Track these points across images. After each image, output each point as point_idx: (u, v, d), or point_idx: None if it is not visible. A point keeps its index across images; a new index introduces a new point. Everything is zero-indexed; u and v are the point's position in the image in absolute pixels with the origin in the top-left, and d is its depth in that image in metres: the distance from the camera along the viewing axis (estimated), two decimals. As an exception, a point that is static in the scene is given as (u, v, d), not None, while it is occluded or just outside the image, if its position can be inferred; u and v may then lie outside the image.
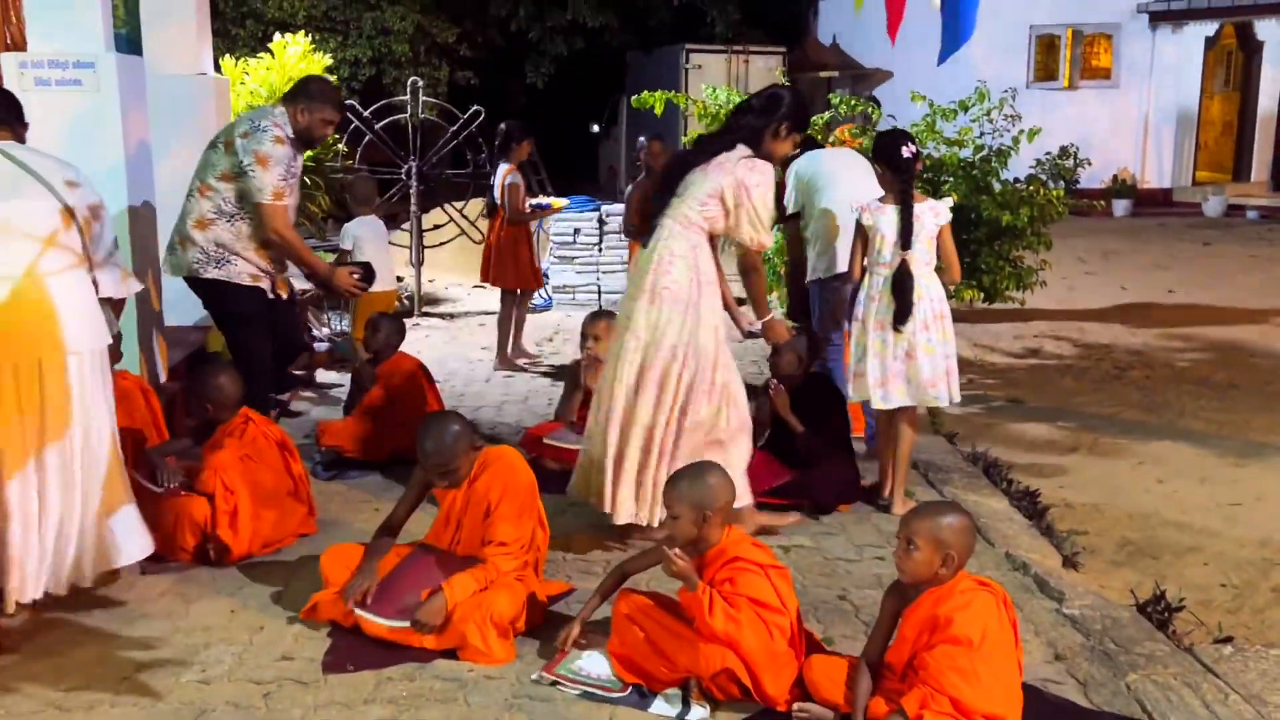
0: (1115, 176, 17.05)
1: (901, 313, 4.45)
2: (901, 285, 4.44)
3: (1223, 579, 4.23)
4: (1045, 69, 18.28)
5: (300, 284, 5.65)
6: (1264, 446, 5.86)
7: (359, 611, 3.44)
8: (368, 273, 5.19)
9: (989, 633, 2.81)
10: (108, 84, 5.26)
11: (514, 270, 7.32)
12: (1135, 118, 17.88)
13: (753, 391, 4.84)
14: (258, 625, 3.56)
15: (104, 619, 3.60)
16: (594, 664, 3.20)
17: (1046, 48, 18.25)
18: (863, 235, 4.60)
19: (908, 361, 4.50)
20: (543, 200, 7.09)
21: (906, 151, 4.43)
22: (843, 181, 5.25)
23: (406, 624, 3.38)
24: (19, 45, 6.30)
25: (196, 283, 4.88)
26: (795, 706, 2.96)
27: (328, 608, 3.53)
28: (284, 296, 5.11)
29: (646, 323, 4.07)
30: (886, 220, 4.49)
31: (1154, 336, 8.59)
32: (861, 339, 4.59)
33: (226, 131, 4.85)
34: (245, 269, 4.81)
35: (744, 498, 4.04)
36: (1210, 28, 17.61)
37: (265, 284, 4.92)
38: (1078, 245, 12.60)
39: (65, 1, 5.30)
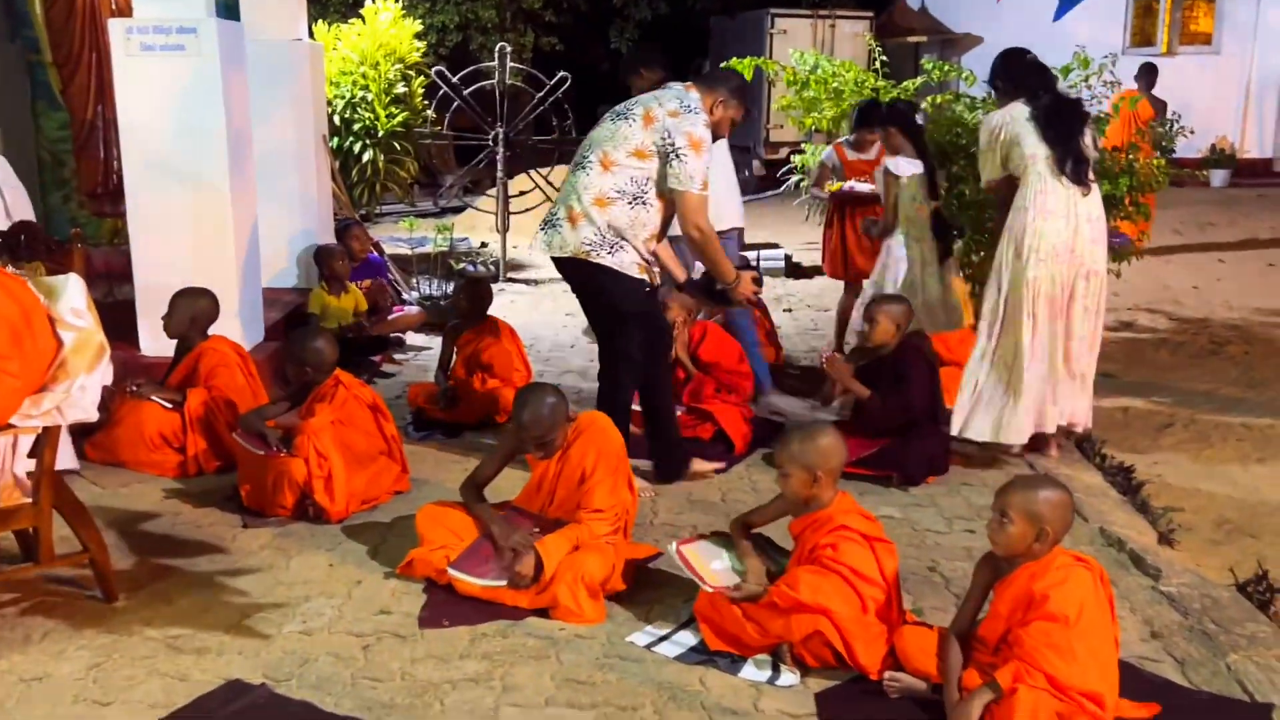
0: (1213, 145, 16.46)
1: (946, 251, 5.65)
2: (942, 227, 5.60)
3: (1324, 561, 4.12)
4: (1142, 33, 17.66)
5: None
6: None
7: (453, 571, 3.52)
8: (760, 280, 4.84)
9: (1086, 609, 2.77)
10: (209, 48, 5.38)
11: (850, 259, 6.56)
12: (1236, 84, 17.21)
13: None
14: (355, 579, 3.66)
15: (209, 568, 3.74)
16: (724, 564, 3.39)
17: (1144, 11, 17.62)
18: (896, 188, 5.61)
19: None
20: (855, 185, 6.24)
21: (920, 119, 5.30)
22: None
23: (499, 583, 3.45)
24: (125, 12, 6.48)
25: (580, 265, 4.30)
26: (886, 675, 2.96)
27: (423, 564, 3.61)
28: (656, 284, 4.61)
29: (1104, 262, 4.72)
30: (914, 175, 5.58)
31: (1252, 311, 8.33)
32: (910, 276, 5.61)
33: (642, 103, 4.30)
34: (633, 258, 4.30)
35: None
36: (1321, -11, 16.86)
37: (648, 275, 4.41)
38: (1173, 216, 12.23)
39: (169, -32, 5.42)
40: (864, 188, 6.22)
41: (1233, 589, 3.70)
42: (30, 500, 3.28)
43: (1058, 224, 4.55)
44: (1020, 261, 4.58)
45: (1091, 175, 4.64)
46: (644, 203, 4.24)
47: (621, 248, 4.26)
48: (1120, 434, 5.53)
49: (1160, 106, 10.82)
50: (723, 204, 5.21)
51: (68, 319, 3.22)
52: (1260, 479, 4.96)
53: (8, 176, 4.77)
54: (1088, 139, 4.65)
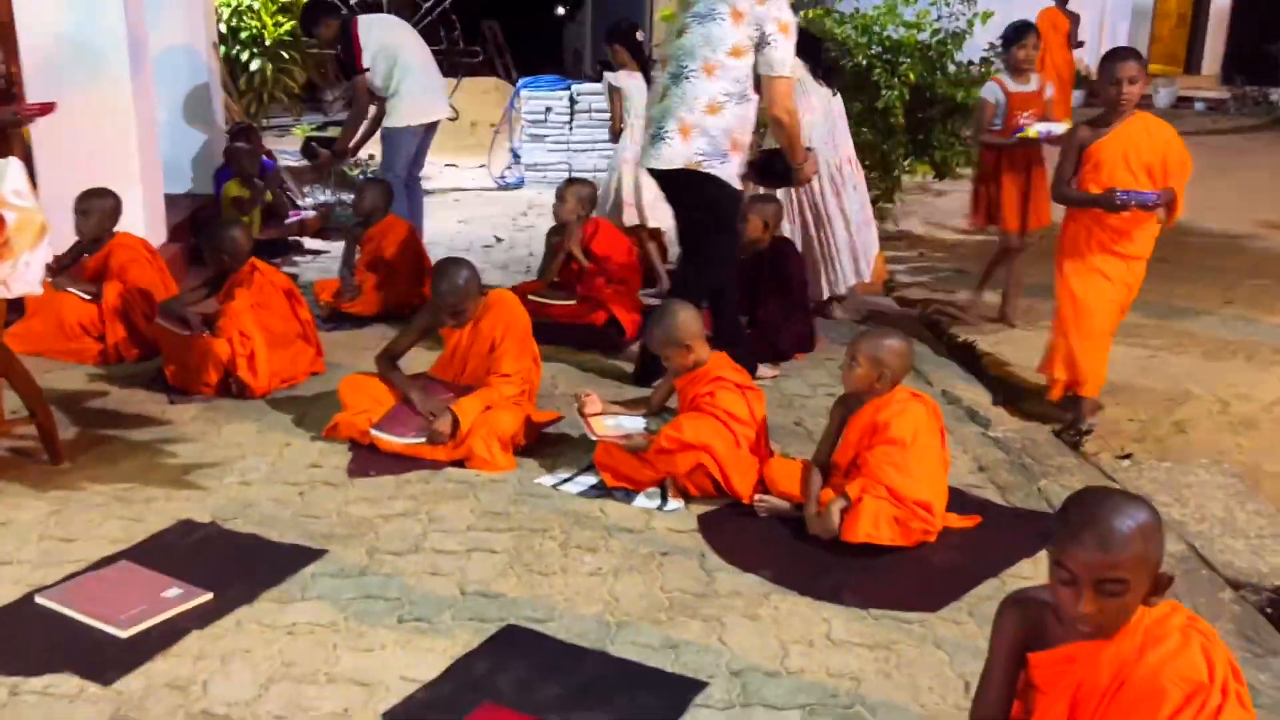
0: (1071, 68, 17.38)
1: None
2: None
3: (1131, 415, 4.80)
4: (1005, -43, 18.41)
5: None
6: (1183, 310, 6.45)
7: (375, 432, 3.92)
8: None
9: (919, 435, 3.34)
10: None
11: (1006, 206, 6.18)
12: (1091, 8, 18.11)
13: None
14: (284, 442, 4.03)
15: (145, 437, 4.06)
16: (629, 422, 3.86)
17: (1006, -65, 18.35)
18: (620, 96, 6.40)
19: None
20: (1046, 127, 5.57)
21: (640, 36, 5.93)
22: (414, 48, 6.53)
23: (419, 440, 3.86)
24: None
25: (691, 175, 4.35)
26: (756, 497, 3.50)
27: (347, 427, 4.00)
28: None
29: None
30: (636, 86, 6.35)
31: (1094, 217, 9.09)
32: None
33: (721, 1, 4.25)
34: (734, 170, 4.42)
35: None
36: (1169, -82, 17.80)
37: (743, 187, 4.65)
38: (1029, 132, 13.02)
39: None
40: (1058, 128, 5.44)
41: (1049, 434, 4.35)
42: (-21, 369, 3.55)
43: (818, 119, 5.52)
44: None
45: (835, 83, 5.82)
46: (747, 99, 4.34)
47: (729, 159, 4.36)
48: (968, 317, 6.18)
49: (1074, 19, 12.09)
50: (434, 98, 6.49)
51: (10, 200, 3.47)
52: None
53: None
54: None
